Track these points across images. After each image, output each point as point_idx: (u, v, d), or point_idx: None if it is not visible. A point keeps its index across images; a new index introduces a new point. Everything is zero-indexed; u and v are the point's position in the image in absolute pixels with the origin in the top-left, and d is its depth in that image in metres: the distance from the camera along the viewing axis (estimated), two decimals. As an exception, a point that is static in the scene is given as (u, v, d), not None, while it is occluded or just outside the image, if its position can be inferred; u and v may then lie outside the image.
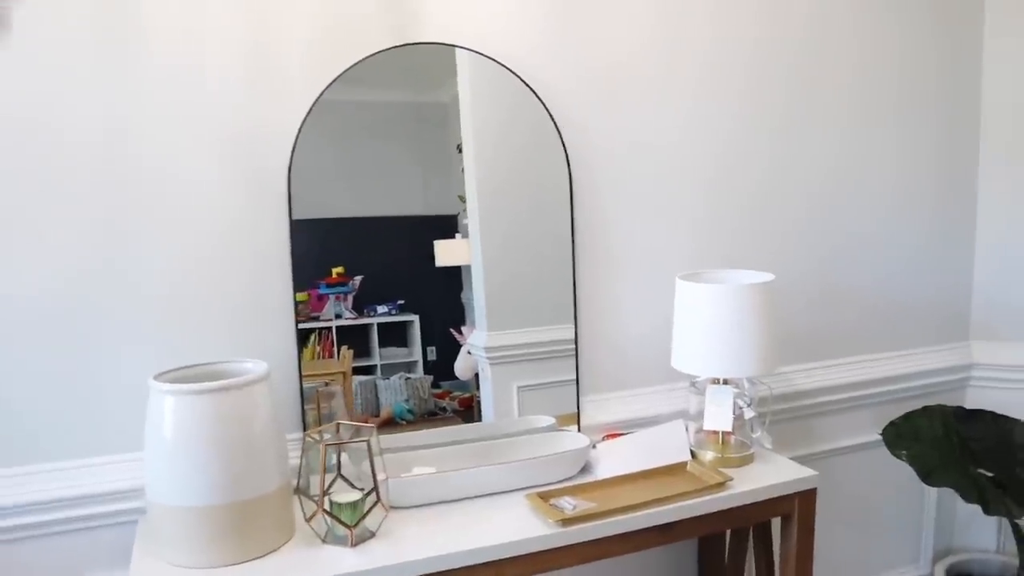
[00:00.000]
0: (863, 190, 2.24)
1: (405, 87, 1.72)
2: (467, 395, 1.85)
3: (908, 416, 2.12)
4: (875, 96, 2.21)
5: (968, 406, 2.27)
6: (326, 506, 1.38)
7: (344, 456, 1.53)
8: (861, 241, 2.26)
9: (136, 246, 1.53)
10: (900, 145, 2.27)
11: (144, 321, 1.55)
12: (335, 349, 1.74)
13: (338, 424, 1.51)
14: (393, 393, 1.80)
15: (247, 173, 1.59)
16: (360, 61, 1.62)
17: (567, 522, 1.44)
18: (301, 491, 1.44)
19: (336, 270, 1.71)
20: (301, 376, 1.66)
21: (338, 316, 1.73)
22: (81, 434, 1.53)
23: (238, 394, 1.31)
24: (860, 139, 2.21)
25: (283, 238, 1.63)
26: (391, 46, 1.65)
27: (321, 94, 1.60)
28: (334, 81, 1.61)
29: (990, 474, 2.03)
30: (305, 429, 1.66)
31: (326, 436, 1.49)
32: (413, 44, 1.67)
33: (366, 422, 1.71)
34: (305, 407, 1.67)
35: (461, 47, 1.71)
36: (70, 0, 1.44)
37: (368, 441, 1.38)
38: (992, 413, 2.15)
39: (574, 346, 1.88)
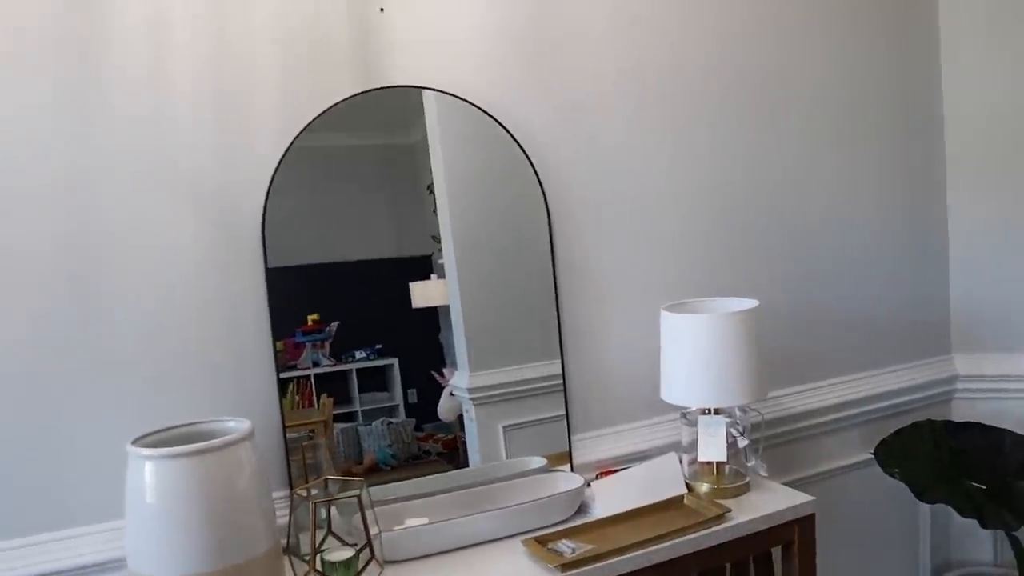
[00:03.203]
0: (839, 212, 2.25)
1: (372, 131, 1.71)
2: (451, 437, 1.81)
3: (898, 433, 2.12)
4: (845, 119, 2.24)
5: (955, 419, 2.27)
6: (318, 566, 1.33)
7: (333, 510, 1.49)
8: (839, 262, 2.27)
9: (104, 304, 1.48)
10: (871, 166, 2.30)
11: (117, 383, 1.50)
12: (315, 398, 1.70)
13: (326, 479, 1.46)
14: (375, 439, 1.76)
15: (219, 223, 1.56)
16: (330, 107, 1.60)
17: (567, 567, 1.40)
18: (291, 551, 1.39)
19: (311, 317, 1.68)
20: (285, 429, 1.61)
21: (316, 364, 1.69)
22: (55, 505, 1.47)
23: (221, 455, 1.26)
24: (833, 162, 2.23)
25: (259, 288, 1.59)
26: (360, 91, 1.63)
27: (293, 142, 1.58)
28: (306, 128, 1.59)
29: (984, 487, 2.02)
30: (291, 484, 1.61)
31: (314, 492, 1.44)
32: (383, 88, 1.66)
33: (350, 471, 1.67)
34: (290, 460, 1.62)
35: (429, 88, 1.70)
36: (27, 50, 1.41)
37: (359, 495, 1.34)
38: (980, 424, 2.15)
39: (562, 383, 1.85)
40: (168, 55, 1.50)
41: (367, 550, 1.35)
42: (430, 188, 1.75)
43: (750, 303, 1.72)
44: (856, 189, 2.28)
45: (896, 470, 2.02)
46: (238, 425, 1.37)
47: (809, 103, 2.18)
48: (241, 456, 1.30)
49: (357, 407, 1.76)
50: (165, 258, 1.53)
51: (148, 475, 1.24)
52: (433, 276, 1.77)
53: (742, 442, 1.71)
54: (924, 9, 2.36)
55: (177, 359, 1.54)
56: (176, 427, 1.38)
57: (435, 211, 1.75)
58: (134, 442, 1.29)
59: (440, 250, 1.76)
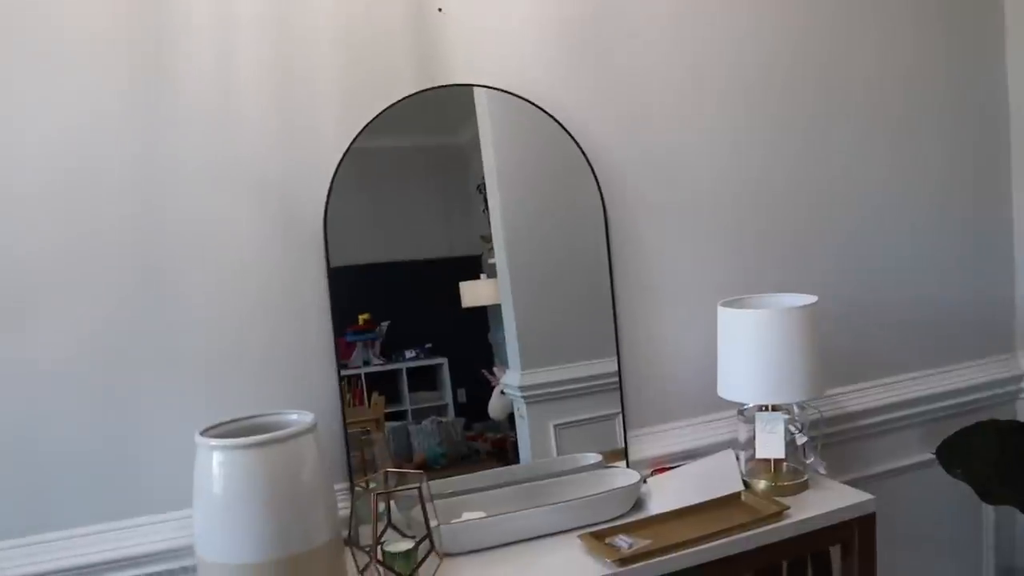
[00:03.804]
0: (899, 208, 2.21)
1: (422, 131, 1.73)
2: (500, 436, 1.82)
3: (961, 433, 2.07)
4: (906, 114, 2.20)
5: (1021, 419, 2.21)
6: (379, 556, 1.35)
7: (392, 504, 1.51)
8: (900, 258, 2.22)
9: (172, 299, 1.53)
10: (933, 161, 2.25)
11: (185, 376, 1.55)
12: (365, 396, 1.72)
13: (386, 472, 1.49)
14: (425, 437, 1.78)
15: (284, 223, 1.60)
16: (388, 107, 1.62)
17: (625, 561, 1.41)
18: (352, 542, 1.42)
19: (362, 317, 1.70)
20: (346, 424, 1.64)
21: (366, 363, 1.72)
22: (126, 494, 1.52)
23: (286, 447, 1.29)
24: (894, 157, 2.19)
25: (321, 285, 1.62)
26: (418, 90, 1.65)
27: (353, 141, 1.61)
28: (365, 127, 1.61)
29: (1052, 489, 1.97)
30: (351, 477, 1.64)
31: (372, 484, 1.47)
32: (440, 87, 1.67)
33: (401, 468, 1.69)
34: (350, 454, 1.65)
35: (486, 86, 1.71)
36: (100, 56, 1.46)
37: (420, 488, 1.36)
38: (1048, 425, 2.09)
39: (618, 380, 1.85)
40: (233, 55, 1.54)
41: (427, 541, 1.37)
42: (479, 188, 1.76)
43: (809, 298, 1.70)
44: (917, 184, 2.23)
45: (959, 470, 1.98)
46: (302, 418, 1.39)
47: (868, 97, 2.14)
48: (304, 448, 1.32)
49: (407, 406, 1.78)
50: (231, 255, 1.57)
51: (216, 465, 1.28)
52: (482, 276, 1.78)
53: (800, 439, 1.69)
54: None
55: (242, 353, 1.58)
56: (242, 419, 1.41)
57: (485, 210, 1.75)
58: (202, 433, 1.32)
59: (490, 249, 1.76)
